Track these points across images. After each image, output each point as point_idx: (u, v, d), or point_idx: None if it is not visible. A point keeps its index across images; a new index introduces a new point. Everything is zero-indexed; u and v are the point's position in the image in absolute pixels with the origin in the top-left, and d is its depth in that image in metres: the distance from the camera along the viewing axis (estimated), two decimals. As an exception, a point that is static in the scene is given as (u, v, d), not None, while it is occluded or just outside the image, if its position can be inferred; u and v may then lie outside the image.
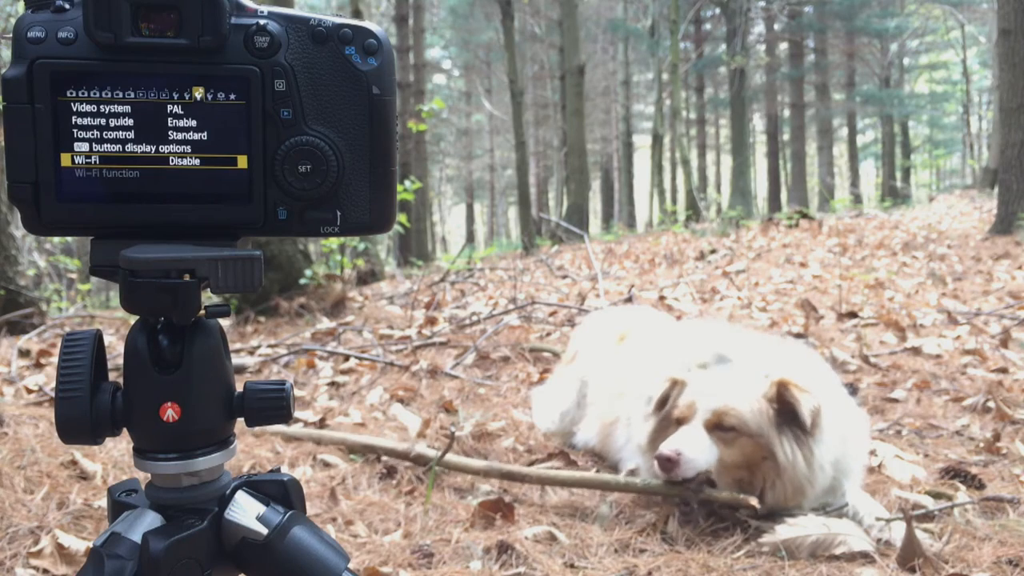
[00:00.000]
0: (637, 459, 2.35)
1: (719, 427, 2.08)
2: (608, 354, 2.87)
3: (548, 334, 4.55)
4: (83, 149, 0.71)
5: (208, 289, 0.74)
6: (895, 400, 3.14)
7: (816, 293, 5.92)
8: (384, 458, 2.55)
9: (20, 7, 0.75)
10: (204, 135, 0.73)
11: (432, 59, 28.53)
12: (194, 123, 0.72)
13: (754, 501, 2.02)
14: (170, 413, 0.75)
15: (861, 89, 29.75)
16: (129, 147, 0.72)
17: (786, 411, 2.05)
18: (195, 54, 0.71)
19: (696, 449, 2.07)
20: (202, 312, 0.77)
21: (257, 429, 2.66)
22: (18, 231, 5.62)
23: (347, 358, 3.98)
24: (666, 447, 2.07)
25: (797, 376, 2.11)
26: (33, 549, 1.78)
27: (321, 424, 2.91)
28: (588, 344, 3.08)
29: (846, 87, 29.93)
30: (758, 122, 32.67)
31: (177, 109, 0.72)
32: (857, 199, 23.75)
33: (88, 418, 0.73)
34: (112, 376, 0.77)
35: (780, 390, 2.06)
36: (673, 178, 28.74)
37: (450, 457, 2.44)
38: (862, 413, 2.50)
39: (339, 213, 0.76)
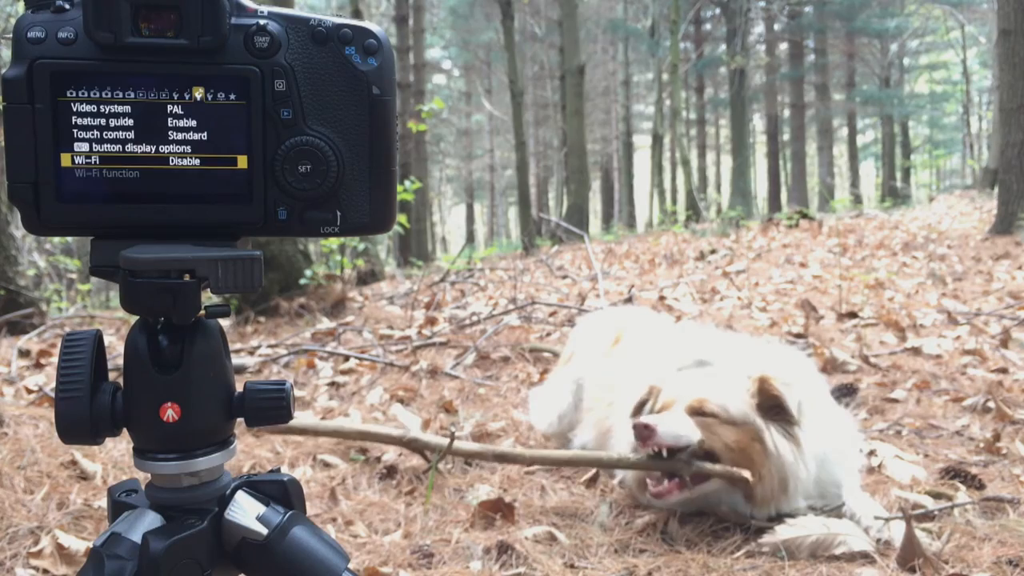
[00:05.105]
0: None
1: (700, 413, 2.08)
2: (603, 357, 2.87)
3: (548, 334, 4.55)
4: (83, 149, 0.71)
5: (208, 289, 0.74)
6: (895, 400, 3.14)
7: (816, 293, 5.91)
8: (384, 458, 2.55)
9: (20, 7, 0.75)
10: (204, 135, 0.73)
11: (432, 59, 28.53)
12: (194, 123, 0.72)
13: (747, 473, 2.02)
14: (170, 413, 0.75)
15: (861, 89, 29.77)
16: (129, 147, 0.72)
17: (770, 405, 2.07)
18: (195, 54, 0.71)
19: (673, 423, 2.06)
20: (202, 312, 0.77)
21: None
22: (18, 231, 5.62)
23: (347, 358, 3.98)
24: (643, 419, 2.08)
25: (779, 374, 2.12)
26: (33, 549, 1.78)
27: (321, 424, 2.91)
28: (584, 346, 3.08)
29: (846, 87, 29.95)
30: (758, 122, 32.69)
31: (177, 109, 0.72)
32: (857, 199, 23.72)
33: (88, 418, 0.73)
34: (112, 376, 0.77)
35: (762, 385, 2.08)
36: (673, 178, 28.76)
37: (443, 441, 2.45)
38: (848, 416, 2.51)
39: (339, 213, 0.76)
